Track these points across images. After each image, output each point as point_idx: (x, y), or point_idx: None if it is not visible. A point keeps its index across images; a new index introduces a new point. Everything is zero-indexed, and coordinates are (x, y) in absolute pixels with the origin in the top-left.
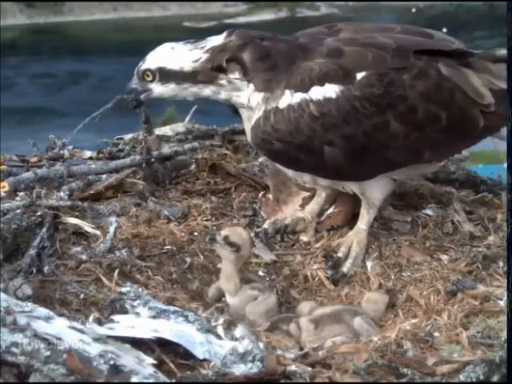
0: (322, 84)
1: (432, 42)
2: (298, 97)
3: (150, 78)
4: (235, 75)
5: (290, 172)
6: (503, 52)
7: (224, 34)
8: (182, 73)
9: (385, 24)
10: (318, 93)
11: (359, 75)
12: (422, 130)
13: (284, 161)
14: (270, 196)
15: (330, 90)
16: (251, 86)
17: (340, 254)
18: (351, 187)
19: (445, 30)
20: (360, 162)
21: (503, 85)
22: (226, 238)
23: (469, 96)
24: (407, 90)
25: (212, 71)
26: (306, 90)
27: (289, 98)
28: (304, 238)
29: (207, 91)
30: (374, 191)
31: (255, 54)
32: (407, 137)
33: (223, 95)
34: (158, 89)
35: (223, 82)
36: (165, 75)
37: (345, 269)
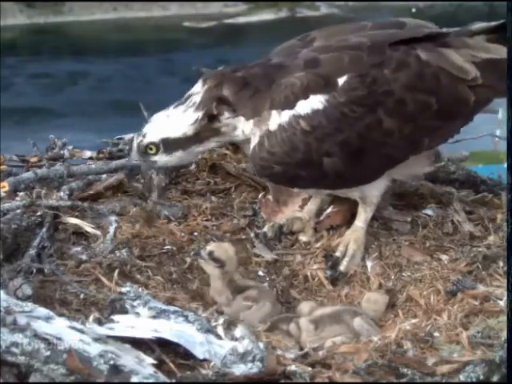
0: (306, 97)
1: (404, 32)
2: (286, 115)
3: (153, 151)
4: (226, 116)
5: (295, 189)
6: (478, 26)
7: (200, 83)
8: (185, 138)
9: (357, 23)
10: (305, 106)
11: (340, 80)
12: (414, 121)
13: (287, 181)
14: (270, 197)
15: (316, 101)
16: (241, 117)
17: (338, 254)
18: (354, 193)
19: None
20: (361, 166)
21: (485, 55)
22: (210, 254)
23: (453, 75)
24: (391, 84)
25: (210, 124)
26: (291, 106)
27: (277, 118)
28: (303, 238)
29: (212, 144)
30: (372, 189)
31: (234, 87)
32: (402, 130)
33: (227, 139)
34: (164, 159)
35: (223, 129)
36: (169, 145)
37: (342, 267)
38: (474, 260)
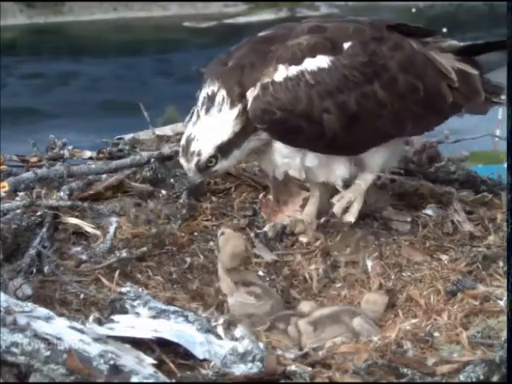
0: (313, 56)
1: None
2: (293, 69)
3: (213, 163)
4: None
5: (278, 159)
6: (447, 44)
7: (211, 81)
8: (235, 135)
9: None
10: (311, 63)
11: (346, 45)
12: (404, 100)
13: (284, 132)
14: (271, 197)
15: (322, 61)
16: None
17: (336, 210)
18: (343, 171)
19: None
20: (354, 131)
21: (459, 65)
22: (222, 233)
23: (438, 69)
24: (388, 61)
25: (245, 113)
26: (299, 62)
27: (283, 71)
28: (303, 239)
29: (258, 135)
30: (374, 157)
31: (242, 70)
32: (393, 106)
33: None
34: (224, 165)
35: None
36: (225, 149)
37: (334, 209)
38: (474, 260)
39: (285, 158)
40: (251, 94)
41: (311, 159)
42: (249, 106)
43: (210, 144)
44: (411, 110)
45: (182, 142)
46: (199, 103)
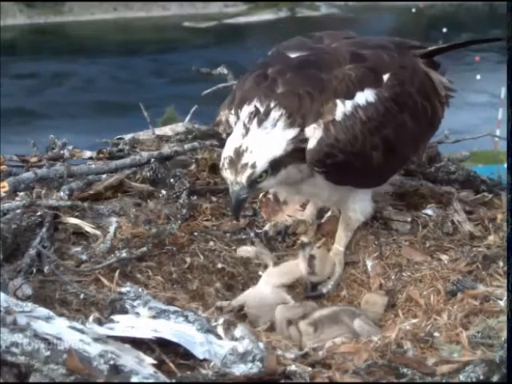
0: (362, 89)
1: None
2: (349, 105)
3: (263, 178)
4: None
5: (306, 189)
6: (417, 52)
7: (256, 99)
8: (286, 155)
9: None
10: (362, 98)
11: (385, 77)
12: (421, 123)
13: (337, 172)
14: (271, 196)
15: (369, 95)
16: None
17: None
18: (350, 205)
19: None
20: (390, 163)
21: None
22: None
23: (435, 87)
24: (410, 87)
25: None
26: (352, 96)
27: (342, 108)
28: (305, 239)
29: (302, 162)
30: (357, 205)
31: (288, 99)
32: (414, 131)
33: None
34: (270, 182)
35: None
36: (275, 165)
37: (325, 290)
38: (474, 260)
39: (317, 189)
40: (313, 132)
41: (340, 193)
42: (310, 146)
43: (265, 157)
44: (423, 131)
45: (229, 153)
46: (244, 117)
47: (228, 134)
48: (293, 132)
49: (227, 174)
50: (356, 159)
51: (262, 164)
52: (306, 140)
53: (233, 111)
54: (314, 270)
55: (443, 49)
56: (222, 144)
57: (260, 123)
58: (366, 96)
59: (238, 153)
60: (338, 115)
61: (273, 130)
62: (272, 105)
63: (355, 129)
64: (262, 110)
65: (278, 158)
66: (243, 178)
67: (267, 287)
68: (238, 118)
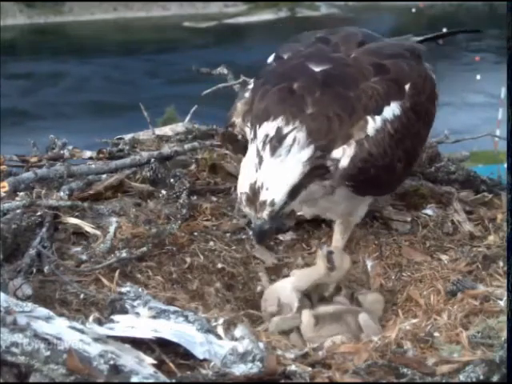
0: (388, 103)
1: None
2: (378, 120)
3: (284, 207)
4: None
5: (324, 203)
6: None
7: (280, 119)
8: (304, 177)
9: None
10: (389, 112)
11: (406, 87)
12: (427, 128)
13: (366, 186)
14: None
15: (395, 108)
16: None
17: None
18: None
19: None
20: (406, 173)
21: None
22: (329, 253)
23: (435, 91)
24: (423, 95)
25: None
26: (380, 111)
27: (372, 124)
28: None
29: (323, 179)
30: (362, 211)
31: (317, 121)
32: (424, 137)
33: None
34: (291, 206)
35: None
36: (293, 192)
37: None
38: (474, 260)
39: (332, 203)
40: (342, 153)
41: (353, 203)
42: (343, 163)
43: (282, 191)
44: (427, 134)
45: (245, 189)
46: (259, 142)
47: (243, 136)
48: (308, 152)
49: (247, 210)
50: (384, 172)
51: (280, 199)
52: (329, 158)
53: (249, 124)
54: (334, 264)
55: (421, 41)
56: (237, 147)
57: (274, 151)
58: (392, 109)
59: (254, 190)
60: (370, 131)
61: (287, 157)
62: (289, 129)
63: (385, 142)
64: (286, 130)
65: (295, 185)
66: (264, 215)
67: (287, 287)
68: (255, 134)
